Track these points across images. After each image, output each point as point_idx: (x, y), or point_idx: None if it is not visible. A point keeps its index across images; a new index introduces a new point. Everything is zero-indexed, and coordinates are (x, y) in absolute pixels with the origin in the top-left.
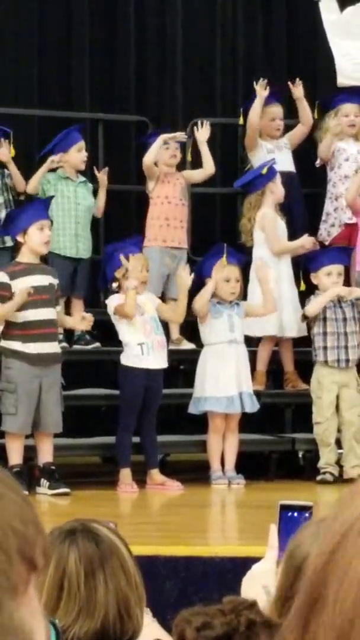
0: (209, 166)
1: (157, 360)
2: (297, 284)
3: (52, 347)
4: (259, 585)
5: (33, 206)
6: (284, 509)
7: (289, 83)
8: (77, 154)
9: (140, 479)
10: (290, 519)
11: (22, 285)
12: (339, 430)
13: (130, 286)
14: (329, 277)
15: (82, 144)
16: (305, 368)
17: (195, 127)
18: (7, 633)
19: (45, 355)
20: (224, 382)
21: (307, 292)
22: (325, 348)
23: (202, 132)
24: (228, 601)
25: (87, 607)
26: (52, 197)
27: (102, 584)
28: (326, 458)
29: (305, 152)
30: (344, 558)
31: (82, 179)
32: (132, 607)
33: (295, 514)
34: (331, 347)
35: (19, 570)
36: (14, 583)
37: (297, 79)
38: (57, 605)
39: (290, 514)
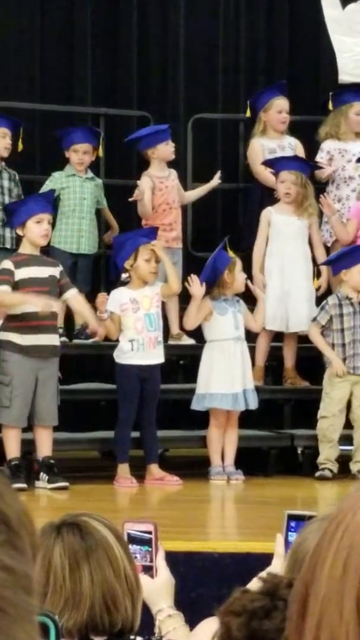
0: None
1: (149, 357)
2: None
3: (50, 340)
4: None
5: (33, 199)
6: (291, 518)
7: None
8: (74, 154)
9: (139, 473)
10: (297, 529)
11: (24, 275)
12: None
13: (104, 317)
14: None
15: (78, 146)
16: (310, 364)
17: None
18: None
19: (42, 347)
20: (232, 379)
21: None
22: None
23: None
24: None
25: (73, 599)
26: (52, 190)
27: (87, 576)
28: (326, 454)
29: (307, 152)
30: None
31: (90, 174)
32: (120, 599)
33: (302, 524)
34: (349, 356)
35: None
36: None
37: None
38: (43, 598)
39: (296, 523)
